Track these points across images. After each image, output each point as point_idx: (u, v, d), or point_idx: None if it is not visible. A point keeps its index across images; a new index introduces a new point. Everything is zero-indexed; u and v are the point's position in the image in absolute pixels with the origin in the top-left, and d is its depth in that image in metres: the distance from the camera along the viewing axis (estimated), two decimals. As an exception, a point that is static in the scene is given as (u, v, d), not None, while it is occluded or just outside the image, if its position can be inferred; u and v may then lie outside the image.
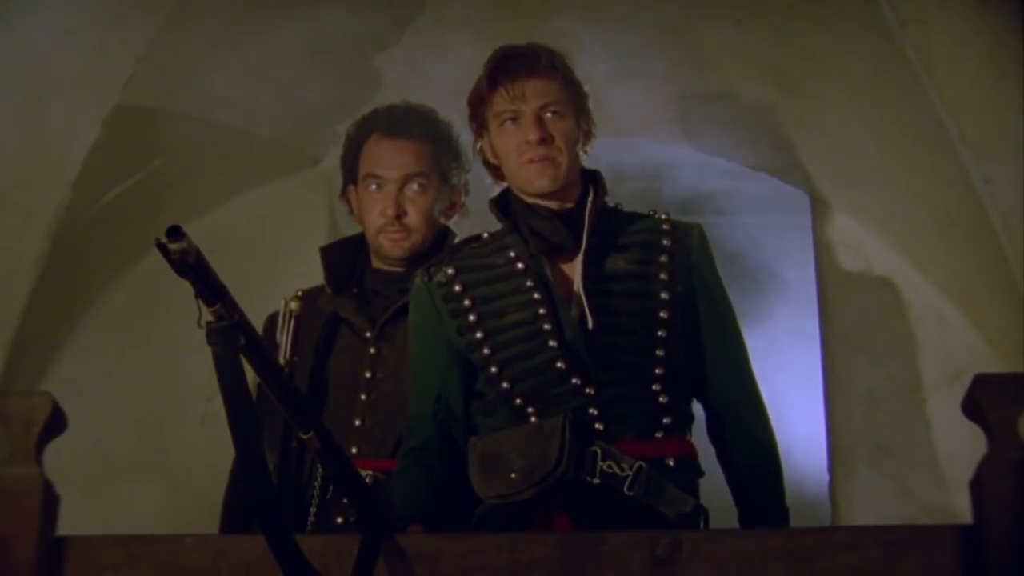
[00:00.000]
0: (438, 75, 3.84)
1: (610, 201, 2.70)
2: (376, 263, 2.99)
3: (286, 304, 2.96)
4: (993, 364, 3.62)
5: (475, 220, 2.98)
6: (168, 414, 3.97)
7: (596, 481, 2.39)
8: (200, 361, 3.97)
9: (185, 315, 4.25)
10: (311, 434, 2.05)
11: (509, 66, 2.58)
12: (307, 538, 2.13)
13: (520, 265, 2.57)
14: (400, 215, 2.90)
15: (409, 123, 2.95)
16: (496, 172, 2.68)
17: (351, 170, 3.01)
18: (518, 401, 2.50)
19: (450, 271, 2.61)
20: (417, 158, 2.92)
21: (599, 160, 4.65)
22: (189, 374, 3.99)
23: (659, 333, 2.52)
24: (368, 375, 2.86)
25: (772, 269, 4.84)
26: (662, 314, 2.53)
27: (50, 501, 2.09)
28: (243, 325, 1.91)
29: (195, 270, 1.82)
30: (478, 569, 2.08)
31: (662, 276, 2.57)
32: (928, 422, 3.79)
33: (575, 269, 2.54)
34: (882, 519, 3.66)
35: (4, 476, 2.06)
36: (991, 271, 3.44)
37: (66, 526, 2.13)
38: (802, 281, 4.46)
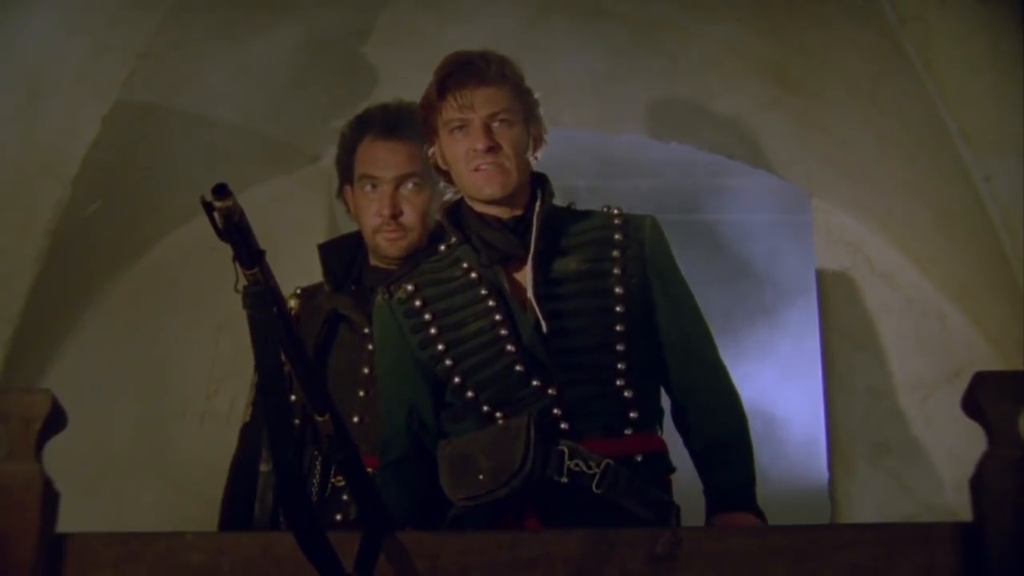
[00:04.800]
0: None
1: (564, 201, 2.70)
2: (374, 261, 2.99)
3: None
4: (993, 362, 3.62)
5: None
6: (168, 412, 3.98)
7: (564, 480, 2.40)
8: (200, 359, 4.00)
9: (185, 313, 4.27)
10: (326, 416, 2.05)
11: (458, 74, 2.59)
12: (307, 535, 2.12)
13: (474, 275, 2.59)
14: (396, 214, 2.91)
15: (403, 123, 2.95)
16: (447, 177, 2.68)
17: (347, 170, 3.02)
18: (485, 408, 2.52)
19: (410, 287, 2.63)
20: (411, 158, 2.93)
21: (597, 157, 4.67)
22: (189, 372, 4.00)
23: (617, 328, 2.52)
24: (366, 371, 2.86)
25: (772, 266, 4.84)
26: (618, 308, 2.53)
27: (50, 498, 2.09)
28: (277, 293, 1.91)
29: (239, 230, 1.81)
30: (478, 567, 2.08)
31: (615, 271, 2.57)
32: (928, 420, 3.79)
33: (527, 275, 2.55)
34: (882, 517, 3.67)
35: (4, 473, 2.06)
36: (991, 268, 3.44)
37: (66, 523, 2.13)
38: (802, 278, 4.47)
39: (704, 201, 4.88)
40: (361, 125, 3.02)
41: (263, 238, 4.49)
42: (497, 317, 2.52)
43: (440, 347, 2.56)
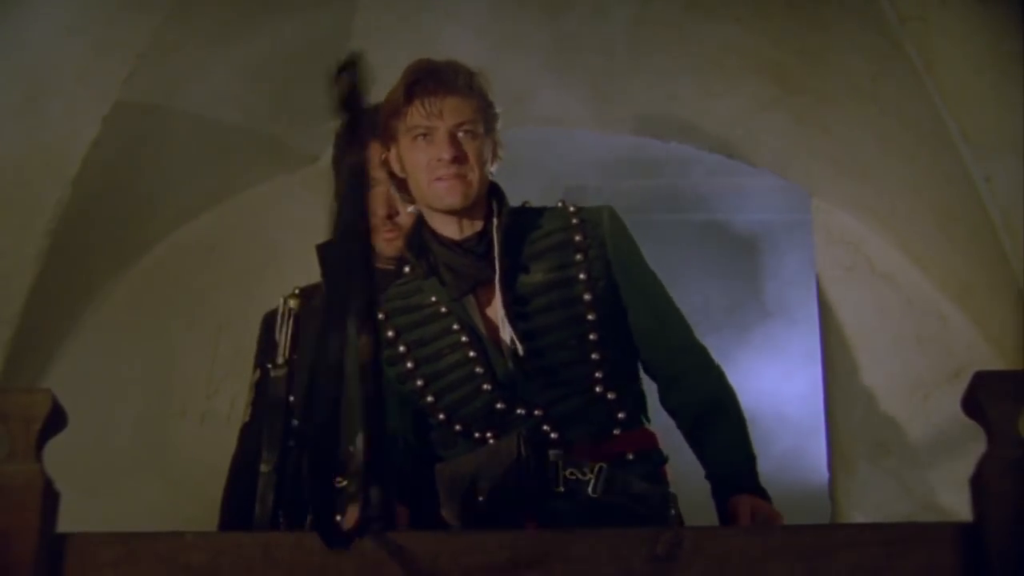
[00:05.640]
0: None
1: (517, 200, 2.65)
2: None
3: (285, 302, 2.96)
4: (993, 361, 3.62)
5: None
6: (168, 412, 3.98)
7: (561, 489, 2.40)
8: (200, 359, 4.00)
9: (185, 313, 4.27)
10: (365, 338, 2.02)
11: (427, 81, 2.54)
12: (306, 536, 2.12)
13: (443, 309, 2.54)
14: (392, 214, 2.89)
15: None
16: (401, 184, 2.62)
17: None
18: (476, 435, 2.51)
19: (380, 316, 2.54)
20: None
21: (599, 157, 4.67)
22: (189, 372, 4.00)
23: (591, 337, 2.49)
24: None
25: (772, 266, 4.85)
26: (589, 317, 2.50)
27: (50, 498, 2.09)
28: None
29: (360, 103, 1.79)
30: (478, 567, 2.07)
31: (581, 276, 2.53)
32: (928, 419, 3.79)
33: (495, 299, 2.51)
34: (882, 516, 3.67)
35: (4, 473, 2.06)
36: (991, 268, 3.44)
37: (66, 523, 2.13)
38: (802, 278, 4.47)
39: (704, 201, 4.88)
40: None
41: (263, 238, 4.51)
42: (471, 354, 2.49)
43: (419, 383, 2.52)
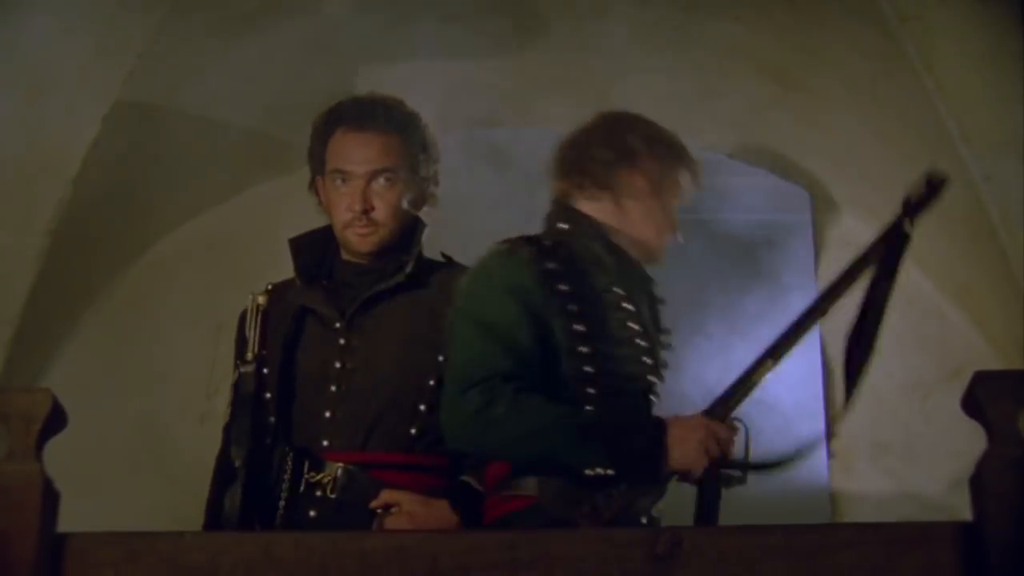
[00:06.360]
0: (437, 73, 3.83)
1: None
2: (345, 255, 2.95)
3: (253, 299, 2.92)
4: (993, 361, 3.63)
5: (448, 210, 2.99)
6: (168, 412, 3.97)
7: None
8: (200, 359, 4.00)
9: (185, 313, 4.27)
10: None
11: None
12: (306, 536, 2.12)
13: (629, 306, 2.62)
14: (368, 210, 2.85)
15: (375, 115, 2.88)
16: (602, 184, 2.75)
17: (318, 162, 2.95)
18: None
19: (550, 265, 2.52)
20: (384, 152, 2.86)
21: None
22: (189, 372, 3.99)
23: None
24: (338, 366, 2.81)
25: (772, 266, 4.84)
26: None
27: (50, 498, 2.09)
28: None
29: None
30: (478, 567, 2.07)
31: None
32: (928, 419, 3.79)
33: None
34: (882, 516, 3.67)
35: (4, 473, 2.06)
36: (991, 268, 3.44)
37: (66, 523, 2.13)
38: (802, 278, 4.46)
39: (704, 201, 4.87)
40: (332, 116, 2.94)
41: (263, 238, 4.50)
42: (647, 360, 2.63)
43: (585, 348, 2.50)
